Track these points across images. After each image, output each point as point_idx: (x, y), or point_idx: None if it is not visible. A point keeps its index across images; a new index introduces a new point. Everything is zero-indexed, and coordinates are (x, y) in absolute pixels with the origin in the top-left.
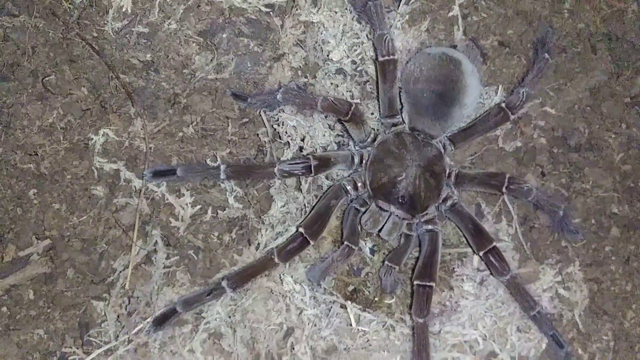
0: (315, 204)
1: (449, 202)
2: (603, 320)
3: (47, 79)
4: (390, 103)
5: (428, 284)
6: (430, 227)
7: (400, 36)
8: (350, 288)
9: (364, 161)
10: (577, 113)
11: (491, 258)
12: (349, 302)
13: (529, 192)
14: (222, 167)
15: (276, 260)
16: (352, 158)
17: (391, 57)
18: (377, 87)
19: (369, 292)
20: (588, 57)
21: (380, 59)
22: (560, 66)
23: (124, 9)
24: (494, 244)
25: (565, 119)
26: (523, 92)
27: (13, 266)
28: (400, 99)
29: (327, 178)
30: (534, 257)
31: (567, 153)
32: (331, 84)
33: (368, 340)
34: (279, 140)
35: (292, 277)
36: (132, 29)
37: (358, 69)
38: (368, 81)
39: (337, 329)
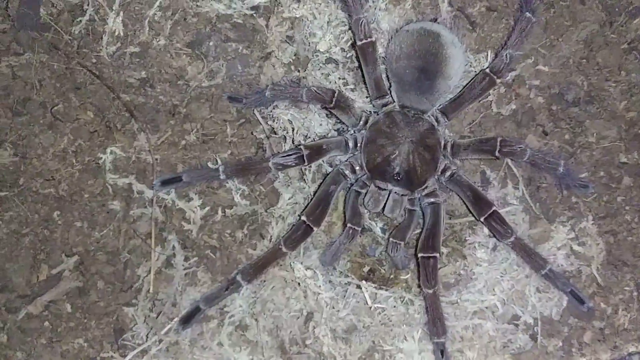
0: (316, 192)
1: (448, 173)
2: (623, 271)
3: (55, 108)
4: (377, 84)
5: (432, 254)
6: (432, 199)
7: (385, 17)
8: (366, 268)
9: (358, 144)
10: (572, 67)
11: (492, 222)
12: (364, 282)
13: (523, 152)
14: (221, 167)
15: (284, 249)
16: (347, 143)
17: (369, 39)
18: (362, 71)
19: (384, 270)
20: (577, 9)
21: (359, 42)
22: (549, 22)
23: (116, 33)
24: (494, 208)
25: (561, 74)
26: (506, 55)
27: (48, 284)
28: (388, 79)
29: (330, 165)
30: (545, 217)
31: (566, 109)
32: (322, 74)
33: (387, 317)
34: (274, 135)
35: (302, 263)
36: (125, 51)
37: (348, 55)
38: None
39: (354, 308)
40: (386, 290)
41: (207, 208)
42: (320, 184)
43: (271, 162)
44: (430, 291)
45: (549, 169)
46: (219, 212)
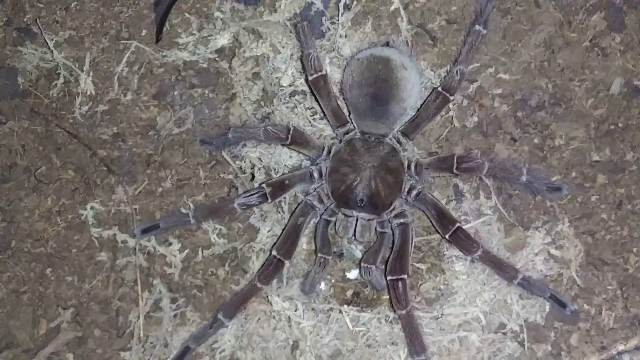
0: (285, 225)
1: (414, 193)
2: (604, 270)
3: (38, 171)
4: (335, 114)
5: (400, 276)
6: (401, 220)
7: (347, 43)
8: (350, 292)
9: (323, 174)
10: (534, 72)
11: (457, 239)
12: (346, 306)
13: (480, 167)
14: (190, 212)
15: (258, 285)
16: (311, 174)
17: (319, 73)
18: (318, 104)
19: (367, 291)
20: (534, 13)
21: (310, 77)
22: (507, 29)
23: (88, 93)
24: (457, 225)
25: (523, 80)
26: (457, 72)
27: (48, 337)
28: (347, 106)
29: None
30: (519, 224)
31: (532, 114)
32: (287, 108)
33: (371, 338)
34: (242, 175)
35: (279, 296)
36: (96, 110)
37: None
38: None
39: (337, 333)
40: (370, 311)
41: (186, 250)
42: (290, 217)
43: (236, 204)
44: (403, 312)
45: (511, 179)
46: (199, 252)
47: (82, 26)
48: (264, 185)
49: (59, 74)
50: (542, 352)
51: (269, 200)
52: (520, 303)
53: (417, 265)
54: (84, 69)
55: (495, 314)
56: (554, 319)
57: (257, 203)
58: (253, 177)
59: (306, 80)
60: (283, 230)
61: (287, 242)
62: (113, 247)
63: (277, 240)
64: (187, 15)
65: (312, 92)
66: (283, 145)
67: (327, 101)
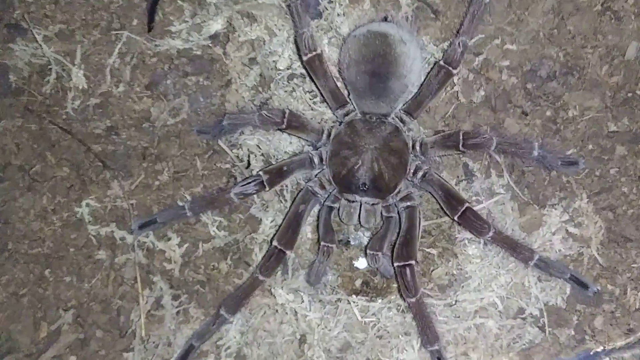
0: (286, 214)
1: (420, 174)
2: (627, 247)
3: (33, 169)
4: (334, 95)
5: (407, 262)
6: (407, 203)
7: (345, 22)
8: (358, 281)
9: (324, 159)
10: (543, 41)
11: (467, 220)
12: (354, 296)
13: (488, 142)
14: (186, 205)
15: (260, 277)
16: (311, 159)
17: (314, 53)
18: (316, 85)
19: (376, 280)
20: None
21: (304, 57)
22: None
23: (80, 87)
24: (466, 205)
25: (531, 50)
26: (459, 43)
27: (50, 339)
28: (345, 87)
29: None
30: (534, 202)
31: (543, 85)
32: (285, 92)
33: (382, 329)
34: (239, 163)
35: (282, 288)
36: (88, 103)
37: None
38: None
39: (346, 325)
40: (380, 300)
41: (186, 245)
42: (290, 205)
43: (232, 193)
44: (413, 300)
45: (522, 155)
46: (200, 246)
47: (72, 19)
48: (260, 172)
49: (51, 69)
50: (565, 337)
51: (267, 189)
52: (539, 286)
53: (428, 250)
54: (75, 62)
55: (512, 298)
56: (575, 302)
57: (255, 192)
58: (249, 164)
59: (301, 60)
60: (284, 219)
61: (288, 231)
62: (111, 244)
63: (277, 230)
64: (179, 2)
65: (307, 73)
66: (279, 129)
67: (324, 82)
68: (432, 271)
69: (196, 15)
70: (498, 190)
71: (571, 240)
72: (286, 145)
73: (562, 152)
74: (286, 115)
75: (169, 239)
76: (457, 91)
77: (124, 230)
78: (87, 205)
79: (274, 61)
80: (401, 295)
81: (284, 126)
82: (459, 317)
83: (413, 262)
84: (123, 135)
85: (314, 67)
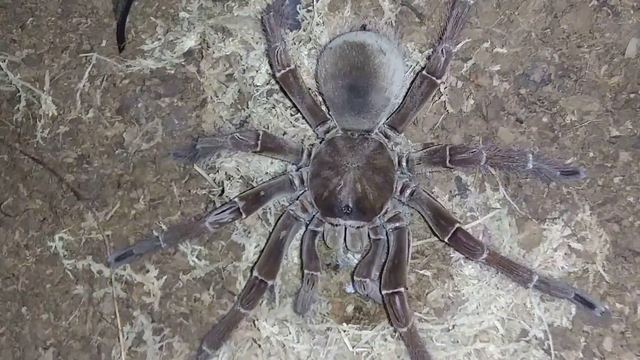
0: (267, 241)
1: (408, 192)
2: (635, 262)
3: (4, 203)
4: (312, 112)
5: (396, 290)
6: (396, 224)
7: (324, 32)
8: (350, 307)
9: (305, 180)
10: (535, 42)
11: (458, 242)
12: (345, 324)
13: (477, 157)
14: (161, 236)
15: (242, 310)
16: (292, 181)
17: (287, 68)
18: (292, 103)
19: (370, 305)
20: None
21: (277, 74)
22: None
23: (50, 114)
24: (457, 225)
25: (523, 53)
26: (442, 50)
27: None
28: (324, 102)
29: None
30: (533, 217)
31: (537, 90)
32: (265, 109)
33: (375, 358)
34: (215, 188)
35: (266, 320)
36: (57, 132)
37: None
38: (310, 88)
39: (336, 356)
40: (372, 328)
41: (165, 276)
42: (271, 231)
43: (207, 222)
44: (404, 329)
45: (516, 168)
46: (180, 277)
47: (40, 43)
48: (236, 199)
49: (20, 97)
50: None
51: (243, 216)
52: (542, 306)
53: (422, 272)
54: (45, 88)
55: (514, 320)
56: (582, 322)
57: (230, 220)
58: (222, 191)
59: (274, 77)
60: (264, 247)
61: (269, 260)
62: (89, 278)
63: (257, 259)
64: (152, 19)
65: (282, 90)
66: (254, 152)
67: (300, 98)
68: (427, 294)
69: (169, 32)
70: (494, 205)
71: (574, 257)
72: (267, 166)
73: (561, 162)
74: (260, 137)
75: (147, 271)
76: (445, 101)
77: (100, 264)
78: (61, 238)
79: (251, 77)
80: (391, 324)
81: (258, 149)
82: (457, 342)
83: (402, 289)
84: (95, 163)
85: (288, 83)
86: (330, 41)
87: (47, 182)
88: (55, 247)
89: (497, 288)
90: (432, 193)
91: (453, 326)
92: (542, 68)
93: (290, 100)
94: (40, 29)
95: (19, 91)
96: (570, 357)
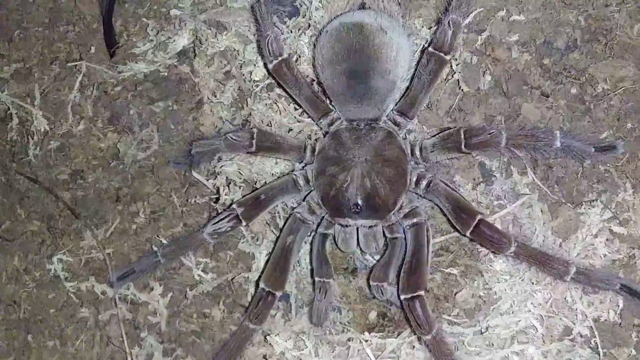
0: (272, 248)
1: (424, 183)
2: None
3: (2, 227)
4: (313, 104)
5: (415, 294)
6: (413, 220)
7: (324, 17)
8: (372, 314)
9: (310, 179)
10: (556, 5)
11: (482, 235)
12: (367, 333)
13: (497, 138)
14: (159, 252)
15: (251, 326)
16: (295, 182)
17: (280, 58)
18: (289, 95)
19: (393, 311)
20: None
21: (270, 65)
22: None
23: (42, 130)
24: (479, 217)
25: (544, 18)
26: (449, 23)
27: None
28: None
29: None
30: (567, 201)
31: (562, 58)
32: (265, 105)
33: None
34: (213, 196)
35: (277, 335)
36: (49, 147)
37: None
38: (313, 78)
39: None
40: (397, 336)
41: (170, 294)
42: (277, 238)
43: (205, 233)
44: (429, 336)
45: (542, 148)
46: (187, 293)
47: (29, 56)
48: (234, 206)
49: (11, 114)
50: (626, 357)
51: (243, 223)
52: (585, 300)
53: (448, 270)
54: (35, 103)
55: (555, 317)
56: (632, 315)
57: (229, 229)
58: (217, 199)
59: (267, 70)
60: (269, 255)
61: (276, 269)
62: (94, 300)
63: (263, 270)
64: (144, 20)
65: (277, 82)
66: (250, 154)
67: (298, 89)
68: (455, 294)
69: (160, 32)
70: (523, 190)
71: (618, 242)
72: (272, 166)
73: (594, 136)
74: (254, 136)
75: (152, 289)
76: (458, 79)
77: (104, 284)
78: (60, 260)
79: (249, 72)
80: (413, 332)
81: (253, 149)
82: (492, 345)
83: (422, 292)
84: (90, 178)
85: (281, 74)
86: (327, 24)
87: (43, 202)
88: (55, 269)
89: (533, 283)
90: (454, 182)
91: (487, 328)
92: (566, 33)
93: (287, 93)
94: (28, 41)
95: (9, 109)
96: (621, 354)
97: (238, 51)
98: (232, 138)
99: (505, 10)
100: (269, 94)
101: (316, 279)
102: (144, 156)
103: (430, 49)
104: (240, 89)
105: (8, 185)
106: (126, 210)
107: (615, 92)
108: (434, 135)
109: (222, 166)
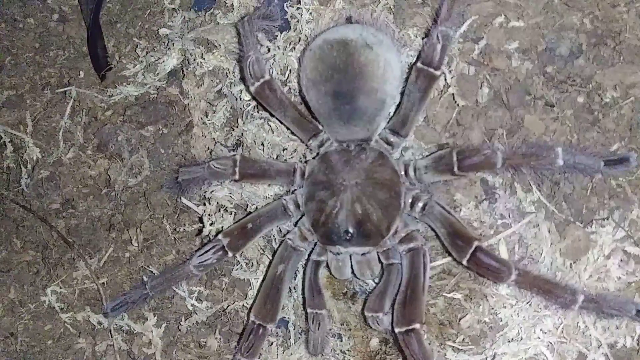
0: (263, 278)
1: (420, 205)
2: None
3: None
4: (300, 125)
5: (411, 327)
6: (410, 245)
7: (315, 30)
8: (374, 341)
9: (301, 204)
10: (558, 7)
11: (479, 263)
12: None
13: (492, 158)
14: (148, 284)
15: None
16: (285, 207)
17: (261, 80)
18: (275, 118)
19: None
20: None
21: (251, 88)
22: None
23: (34, 158)
24: (475, 243)
25: (545, 23)
26: (438, 36)
27: None
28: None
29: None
30: (576, 219)
31: (567, 65)
32: (256, 125)
33: None
34: (196, 225)
35: None
36: (39, 177)
37: (287, 85)
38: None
39: None
40: None
41: (164, 324)
42: (267, 267)
43: (191, 265)
44: None
45: (543, 167)
46: (182, 323)
47: (20, 83)
48: (220, 236)
49: (5, 143)
50: None
51: (229, 254)
52: (599, 325)
53: (451, 295)
54: (27, 131)
55: (566, 344)
56: None
57: (216, 260)
58: (200, 231)
59: (249, 92)
60: (260, 285)
61: (267, 301)
62: (91, 330)
63: (253, 301)
64: (135, 40)
65: (260, 105)
66: (235, 181)
67: (282, 112)
68: (459, 320)
69: (149, 53)
70: (528, 208)
71: (633, 263)
72: (264, 189)
73: (604, 149)
74: (237, 164)
75: (146, 320)
76: (453, 93)
77: (99, 314)
78: (54, 292)
79: (239, 91)
80: None
81: (236, 177)
82: None
83: (417, 325)
84: (81, 207)
85: (264, 97)
86: (311, 41)
87: (38, 231)
88: (49, 301)
89: (541, 308)
90: (454, 201)
91: (494, 356)
92: (569, 39)
93: (272, 115)
94: (19, 67)
95: (2, 137)
96: None
97: (228, 70)
98: (215, 166)
99: (503, 16)
100: (260, 113)
101: (308, 310)
102: (135, 182)
103: (418, 64)
104: (233, 108)
105: (4, 214)
106: (119, 238)
107: (626, 101)
108: (428, 155)
109: (212, 191)
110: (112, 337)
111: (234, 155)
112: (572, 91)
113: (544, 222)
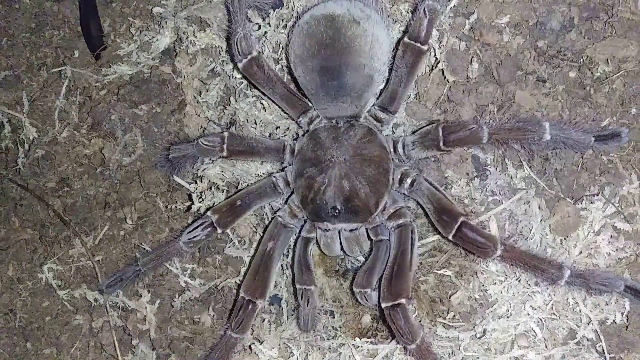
0: (253, 255)
1: (408, 181)
2: None
3: None
4: (289, 102)
5: (396, 302)
6: (398, 221)
7: (307, 4)
8: (366, 318)
9: (290, 181)
10: None
11: (465, 239)
12: (358, 338)
13: (477, 133)
14: (140, 261)
15: (234, 335)
16: (275, 184)
17: (249, 56)
18: (264, 95)
19: None
20: None
21: (239, 64)
22: None
23: (31, 138)
24: (461, 219)
25: None
26: (425, 10)
27: None
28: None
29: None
30: (567, 195)
31: (557, 39)
32: (248, 104)
33: None
34: (195, 200)
35: (261, 343)
36: (35, 156)
37: (279, 63)
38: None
39: None
40: (389, 341)
41: (158, 300)
42: (258, 243)
43: (181, 242)
44: (413, 346)
45: (530, 142)
46: (175, 299)
47: (17, 63)
48: (209, 213)
49: (2, 122)
50: None
51: (219, 231)
52: (589, 302)
53: (442, 271)
54: (24, 110)
55: (557, 320)
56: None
57: (205, 237)
58: (190, 207)
59: (237, 69)
60: (250, 262)
61: (256, 277)
62: (88, 307)
63: (244, 277)
64: (130, 19)
65: (248, 82)
66: (224, 158)
67: (271, 89)
68: (450, 296)
69: (142, 32)
70: (519, 184)
71: (623, 239)
72: (257, 166)
73: (595, 124)
74: (225, 140)
75: (140, 296)
76: (443, 69)
77: (96, 291)
78: (50, 269)
79: (232, 69)
80: (397, 342)
81: (225, 154)
82: (490, 350)
83: (404, 300)
84: (76, 185)
85: (252, 73)
86: (299, 17)
87: (35, 210)
88: (46, 278)
89: (530, 285)
90: (445, 178)
91: (484, 332)
92: (560, 12)
93: (261, 92)
94: (15, 47)
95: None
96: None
97: (221, 48)
98: (203, 143)
99: None
100: (253, 91)
101: (297, 286)
102: (129, 161)
103: (405, 39)
104: (226, 86)
105: (2, 193)
106: (114, 217)
107: (618, 75)
108: (415, 131)
109: (204, 169)
110: (107, 313)
111: (222, 132)
112: (564, 66)
113: (535, 198)
